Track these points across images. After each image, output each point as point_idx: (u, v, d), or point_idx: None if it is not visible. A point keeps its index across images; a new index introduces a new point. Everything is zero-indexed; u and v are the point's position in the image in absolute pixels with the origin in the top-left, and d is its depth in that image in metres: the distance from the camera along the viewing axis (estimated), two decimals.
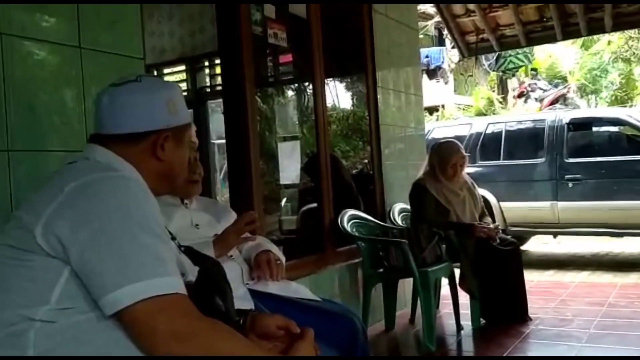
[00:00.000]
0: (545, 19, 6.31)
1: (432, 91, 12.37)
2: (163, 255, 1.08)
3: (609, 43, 13.65)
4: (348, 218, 3.75)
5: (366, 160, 5.00)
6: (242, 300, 1.88)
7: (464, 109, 14.45)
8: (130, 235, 1.06)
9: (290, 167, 5.05)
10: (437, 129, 7.41)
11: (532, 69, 14.87)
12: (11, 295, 1.07)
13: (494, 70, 15.18)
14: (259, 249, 2.15)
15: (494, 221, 4.26)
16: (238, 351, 1.08)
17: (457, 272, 3.73)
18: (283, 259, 2.14)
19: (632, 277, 5.39)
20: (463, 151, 3.92)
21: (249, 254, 2.15)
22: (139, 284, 1.02)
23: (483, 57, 13.17)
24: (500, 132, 6.74)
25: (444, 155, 3.85)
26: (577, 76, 14.03)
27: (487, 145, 6.72)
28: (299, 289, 2.10)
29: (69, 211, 1.07)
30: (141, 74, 1.32)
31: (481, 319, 3.72)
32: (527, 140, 6.64)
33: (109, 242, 1.05)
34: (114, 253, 1.04)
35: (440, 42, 14.28)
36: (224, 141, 4.25)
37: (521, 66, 14.73)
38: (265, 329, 1.30)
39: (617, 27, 6.48)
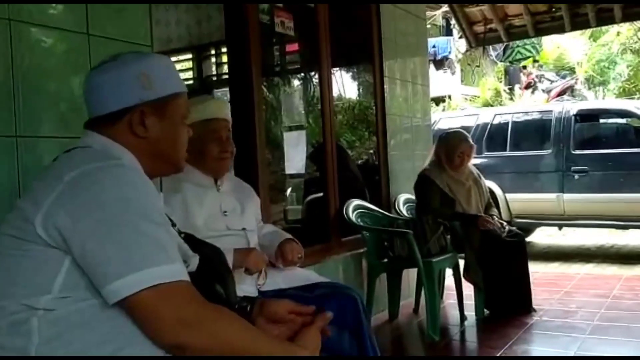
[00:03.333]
0: (554, 10, 6.26)
1: (439, 81, 12.31)
2: (165, 242, 1.08)
3: (618, 34, 13.52)
4: (353, 208, 3.75)
5: (372, 151, 4.99)
6: (251, 287, 1.91)
7: (470, 100, 14.40)
8: (132, 224, 1.06)
9: (295, 156, 5.05)
10: (444, 119, 7.39)
11: (535, 61, 14.76)
12: (13, 285, 1.08)
13: (501, 61, 15.09)
14: (282, 236, 2.18)
15: (499, 212, 4.25)
16: (243, 337, 1.09)
17: (461, 262, 3.74)
18: (302, 252, 2.17)
19: (637, 270, 5.39)
20: (470, 140, 3.93)
21: (271, 240, 2.18)
22: (142, 273, 1.02)
23: (490, 47, 13.09)
24: (507, 123, 6.71)
25: (451, 144, 3.86)
26: (585, 67, 13.91)
27: (494, 136, 6.70)
28: (310, 275, 2.11)
29: (69, 201, 1.07)
30: (120, 53, 1.28)
31: (485, 310, 3.73)
32: (533, 132, 6.62)
33: (111, 231, 1.04)
34: (116, 242, 1.04)
35: (448, 32, 14.19)
36: None
37: (529, 57, 14.63)
38: (274, 314, 1.30)
39: (627, 18, 6.42)
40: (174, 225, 1.27)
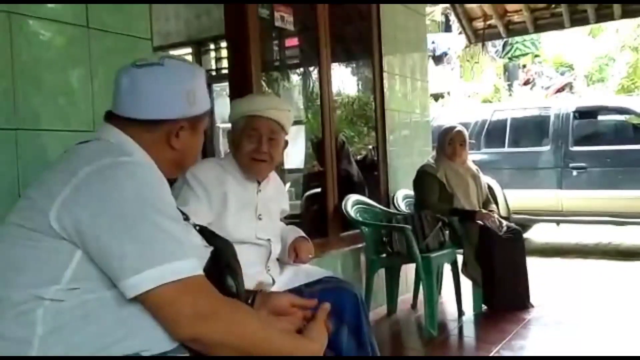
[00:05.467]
0: (553, 6, 6.26)
1: (438, 77, 12.30)
2: (181, 238, 1.10)
3: (617, 31, 13.52)
4: (352, 203, 3.76)
5: (371, 146, 4.99)
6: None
7: (469, 96, 14.38)
8: (149, 219, 1.07)
9: (294, 152, 5.04)
10: (443, 115, 7.39)
11: (536, 56, 14.76)
12: (21, 275, 1.08)
13: (500, 57, 15.07)
14: (297, 233, 2.18)
15: (497, 208, 4.26)
16: (258, 330, 1.11)
17: (460, 258, 3.74)
18: (313, 252, 2.19)
19: (635, 266, 5.40)
20: (461, 128, 4.00)
21: (285, 235, 2.18)
22: (161, 268, 1.04)
23: (490, 43, 13.05)
24: (506, 120, 6.72)
25: (441, 136, 4.01)
26: (584, 64, 13.91)
27: (492, 132, 6.71)
28: (312, 271, 2.11)
29: (86, 196, 1.08)
30: (165, 56, 1.29)
31: (483, 305, 3.74)
32: (532, 128, 6.62)
33: (129, 227, 1.06)
34: (134, 238, 1.05)
35: (447, 28, 14.18)
36: (229, 125, 4.25)
37: (528, 53, 14.61)
38: (278, 307, 1.32)
39: (626, 15, 6.41)
40: (187, 219, 1.28)
